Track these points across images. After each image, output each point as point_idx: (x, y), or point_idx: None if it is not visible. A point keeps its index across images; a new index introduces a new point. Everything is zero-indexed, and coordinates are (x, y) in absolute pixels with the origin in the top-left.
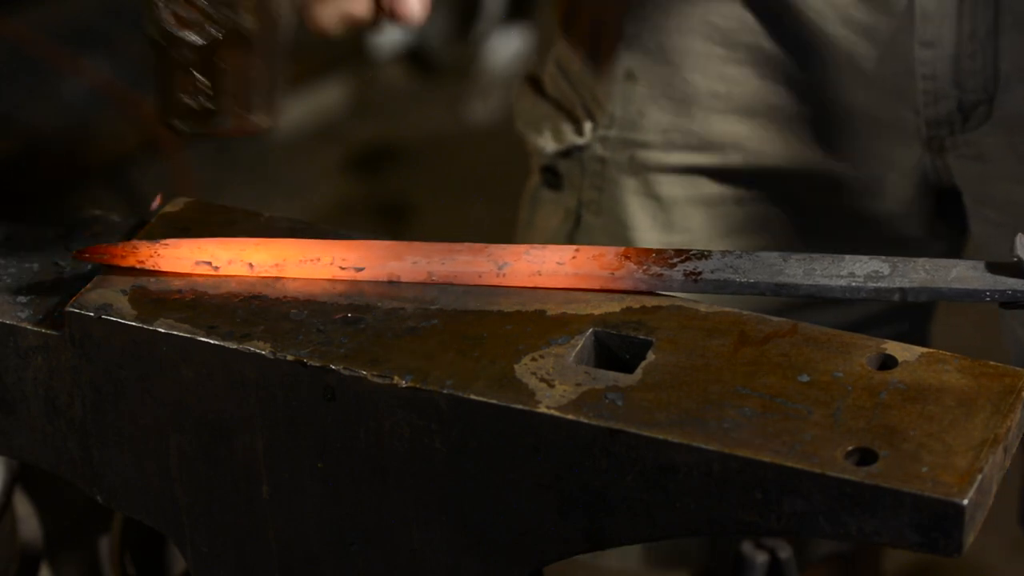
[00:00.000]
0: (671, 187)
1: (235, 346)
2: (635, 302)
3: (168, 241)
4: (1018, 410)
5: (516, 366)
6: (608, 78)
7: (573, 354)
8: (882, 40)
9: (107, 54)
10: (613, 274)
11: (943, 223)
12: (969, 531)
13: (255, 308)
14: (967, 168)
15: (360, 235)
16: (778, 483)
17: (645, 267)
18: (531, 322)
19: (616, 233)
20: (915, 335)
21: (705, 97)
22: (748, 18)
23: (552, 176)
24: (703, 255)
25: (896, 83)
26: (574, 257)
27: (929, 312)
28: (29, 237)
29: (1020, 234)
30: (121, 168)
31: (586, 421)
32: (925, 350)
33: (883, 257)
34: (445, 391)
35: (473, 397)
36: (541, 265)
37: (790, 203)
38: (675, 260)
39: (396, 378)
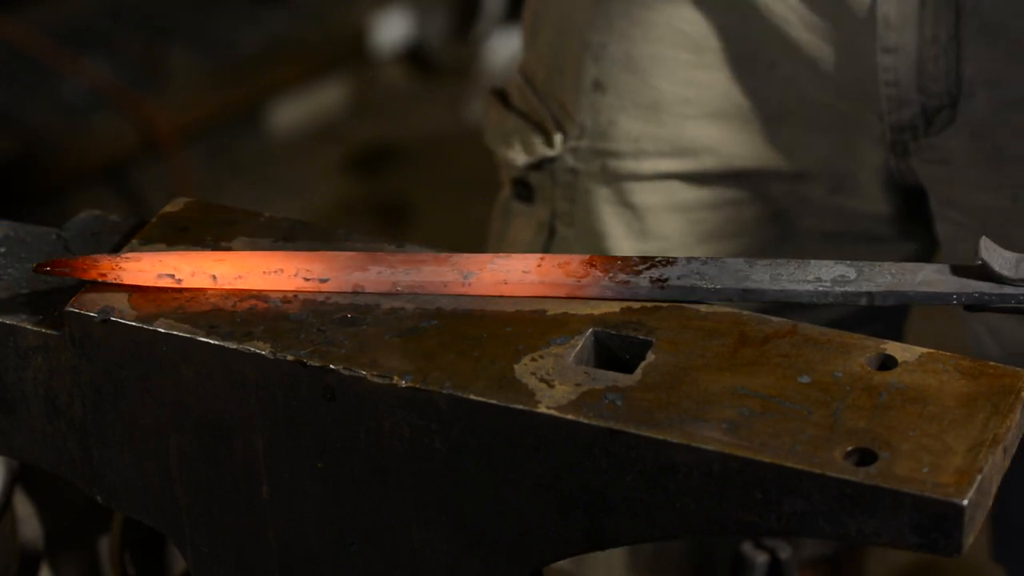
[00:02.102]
0: (645, 195)
1: (235, 346)
2: (635, 302)
3: (130, 255)
4: (1018, 410)
5: (516, 366)
6: (575, 89)
7: (573, 354)
8: (844, 46)
9: (107, 54)
10: (579, 281)
11: (913, 223)
12: (969, 531)
13: (255, 308)
14: (931, 171)
15: (359, 235)
16: (778, 483)
17: (611, 275)
18: (531, 322)
19: (591, 243)
20: (888, 336)
21: (675, 103)
22: (714, 23)
23: (523, 189)
24: (669, 261)
25: (859, 89)
26: (539, 265)
27: (902, 313)
28: (29, 237)
29: (984, 237)
30: (121, 168)
31: (586, 421)
32: (925, 350)
33: (848, 262)
34: (445, 391)
35: (473, 397)
36: (507, 274)
37: (765, 205)
38: (641, 267)
39: (396, 378)
